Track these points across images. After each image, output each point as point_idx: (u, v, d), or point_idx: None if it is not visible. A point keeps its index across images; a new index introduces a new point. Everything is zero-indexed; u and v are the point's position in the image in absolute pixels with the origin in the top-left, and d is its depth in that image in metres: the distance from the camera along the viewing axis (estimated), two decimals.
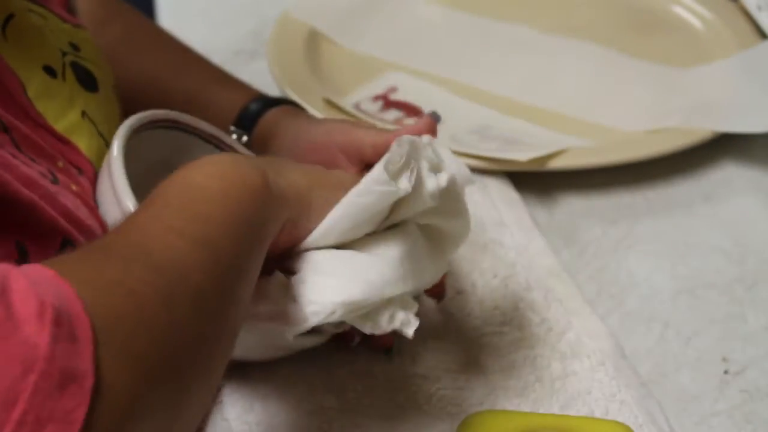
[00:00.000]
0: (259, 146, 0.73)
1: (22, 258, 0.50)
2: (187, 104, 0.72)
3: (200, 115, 0.70)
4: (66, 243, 0.53)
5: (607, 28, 1.02)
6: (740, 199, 0.82)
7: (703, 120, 0.86)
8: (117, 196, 0.59)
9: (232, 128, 0.75)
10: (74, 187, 0.58)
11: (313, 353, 0.65)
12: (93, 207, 0.59)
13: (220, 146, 0.71)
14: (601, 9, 1.05)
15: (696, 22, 1.02)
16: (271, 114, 0.74)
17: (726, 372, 0.67)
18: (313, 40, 0.99)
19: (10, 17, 0.61)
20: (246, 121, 0.75)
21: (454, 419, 0.63)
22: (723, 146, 0.86)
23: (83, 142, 0.62)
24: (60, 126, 0.61)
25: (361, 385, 0.65)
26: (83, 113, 0.63)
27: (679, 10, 1.04)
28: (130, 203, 0.58)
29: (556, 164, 0.82)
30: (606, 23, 1.03)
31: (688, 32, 1.02)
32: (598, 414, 0.63)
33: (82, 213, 0.56)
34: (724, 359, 0.68)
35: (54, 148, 0.59)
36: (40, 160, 0.57)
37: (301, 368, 0.66)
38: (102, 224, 0.59)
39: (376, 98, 0.92)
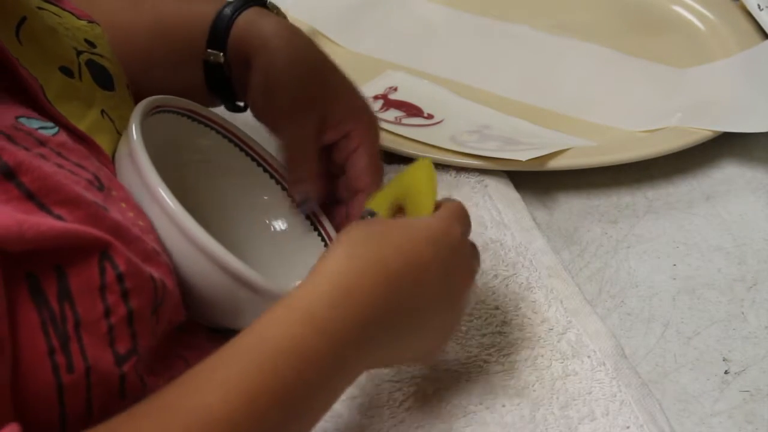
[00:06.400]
0: (235, 51, 0.71)
1: (60, 277, 0.49)
2: (156, 28, 0.71)
3: (172, 33, 0.70)
4: (104, 256, 0.50)
5: (607, 28, 1.02)
6: (740, 199, 0.82)
7: (704, 120, 0.86)
8: (144, 180, 0.59)
9: (209, 51, 0.72)
10: (114, 193, 0.56)
11: None
12: (137, 208, 0.58)
13: (219, 130, 0.72)
14: (602, 9, 1.05)
15: (696, 22, 1.02)
16: (245, 16, 0.71)
17: (726, 372, 0.67)
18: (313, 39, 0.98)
19: (23, 20, 0.60)
20: (220, 31, 0.71)
21: (454, 419, 0.63)
22: (723, 146, 0.86)
23: (105, 142, 0.61)
24: (83, 126, 0.60)
25: (360, 385, 0.65)
26: (102, 112, 0.62)
27: (679, 10, 1.04)
28: (160, 189, 0.59)
29: (556, 164, 0.82)
30: (606, 23, 1.03)
31: (688, 32, 1.02)
32: (598, 414, 0.63)
33: (128, 219, 0.55)
34: (725, 359, 0.68)
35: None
36: (85, 164, 0.55)
37: None
38: (146, 228, 0.57)
39: (376, 98, 0.92)
